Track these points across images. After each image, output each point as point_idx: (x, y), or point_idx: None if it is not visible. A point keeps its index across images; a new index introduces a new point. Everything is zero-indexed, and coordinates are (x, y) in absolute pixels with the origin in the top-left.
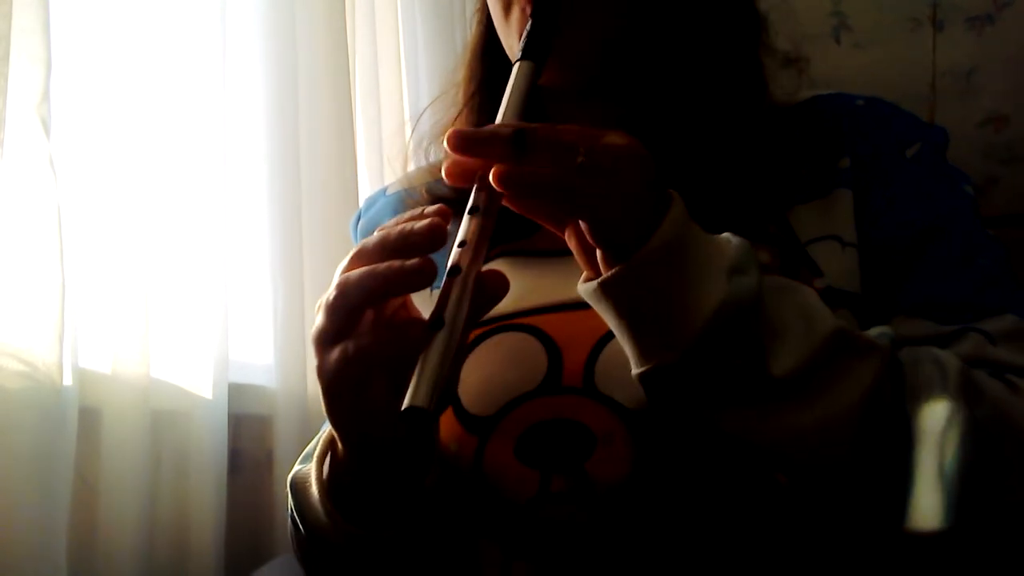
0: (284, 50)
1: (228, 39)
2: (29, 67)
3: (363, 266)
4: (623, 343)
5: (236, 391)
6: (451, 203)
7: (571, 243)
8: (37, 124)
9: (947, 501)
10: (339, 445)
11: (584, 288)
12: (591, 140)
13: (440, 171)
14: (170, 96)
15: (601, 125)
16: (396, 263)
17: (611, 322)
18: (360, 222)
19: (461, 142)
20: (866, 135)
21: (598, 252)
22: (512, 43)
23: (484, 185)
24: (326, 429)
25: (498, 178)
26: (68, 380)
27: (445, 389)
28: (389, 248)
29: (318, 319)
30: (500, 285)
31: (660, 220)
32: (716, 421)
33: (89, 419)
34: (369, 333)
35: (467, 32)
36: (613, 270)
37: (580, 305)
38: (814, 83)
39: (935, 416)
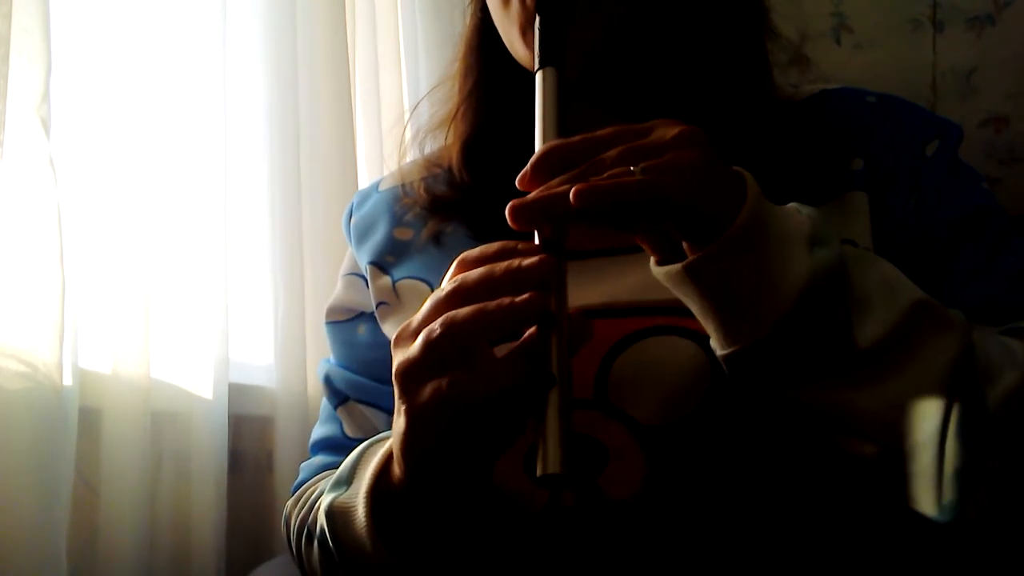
0: (284, 50)
1: (228, 39)
2: (29, 67)
3: (465, 302)
4: (705, 324)
5: (236, 391)
6: (450, 202)
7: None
8: (37, 124)
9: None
10: (395, 473)
11: (664, 271)
12: (641, 137)
13: (436, 165)
14: (170, 96)
15: (604, 117)
16: (507, 300)
17: (693, 304)
18: (352, 219)
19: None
20: (881, 134)
21: (684, 243)
22: (512, 37)
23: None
24: (356, 455)
25: (577, 196)
26: (68, 380)
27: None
28: (495, 285)
29: (411, 352)
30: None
31: (740, 197)
32: (799, 395)
33: (89, 419)
34: (466, 372)
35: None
36: (699, 253)
37: (590, 313)
38: (817, 80)
39: (1005, 399)
